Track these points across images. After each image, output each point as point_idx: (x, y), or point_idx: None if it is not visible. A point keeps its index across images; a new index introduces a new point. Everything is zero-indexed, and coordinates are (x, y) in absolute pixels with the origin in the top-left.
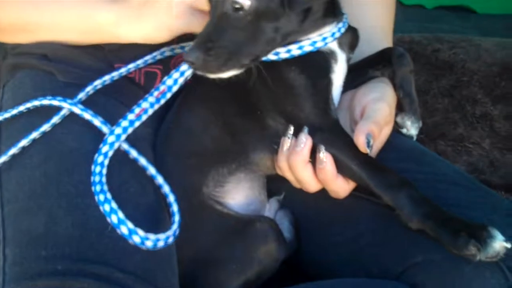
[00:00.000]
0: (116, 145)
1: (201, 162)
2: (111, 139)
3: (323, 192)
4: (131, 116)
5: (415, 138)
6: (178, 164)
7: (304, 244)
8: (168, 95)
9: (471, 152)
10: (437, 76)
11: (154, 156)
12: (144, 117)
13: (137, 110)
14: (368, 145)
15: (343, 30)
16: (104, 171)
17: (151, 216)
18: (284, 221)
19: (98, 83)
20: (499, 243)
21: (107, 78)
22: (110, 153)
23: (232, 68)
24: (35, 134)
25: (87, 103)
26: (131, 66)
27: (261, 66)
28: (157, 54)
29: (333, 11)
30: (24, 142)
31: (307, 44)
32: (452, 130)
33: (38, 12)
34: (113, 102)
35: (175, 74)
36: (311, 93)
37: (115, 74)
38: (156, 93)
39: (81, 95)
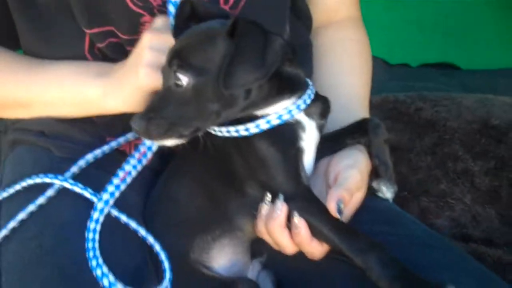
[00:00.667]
0: (105, 210)
1: (187, 230)
2: (100, 205)
3: (302, 254)
4: (116, 181)
5: (391, 201)
6: (166, 232)
7: None
8: (149, 155)
9: (454, 208)
10: (420, 134)
11: (144, 223)
12: (129, 179)
13: (121, 174)
14: (339, 210)
15: (308, 101)
16: (97, 236)
17: (139, 277)
18: (267, 282)
19: (89, 157)
20: None
21: (98, 152)
22: (101, 219)
23: (171, 137)
24: (31, 207)
25: (80, 176)
26: (121, 139)
27: (233, 140)
28: None
29: (288, 87)
30: (22, 215)
31: (274, 118)
32: (435, 186)
33: (29, 89)
34: (104, 174)
35: (132, 161)
36: (281, 163)
37: (106, 148)
38: (137, 155)
39: (74, 169)
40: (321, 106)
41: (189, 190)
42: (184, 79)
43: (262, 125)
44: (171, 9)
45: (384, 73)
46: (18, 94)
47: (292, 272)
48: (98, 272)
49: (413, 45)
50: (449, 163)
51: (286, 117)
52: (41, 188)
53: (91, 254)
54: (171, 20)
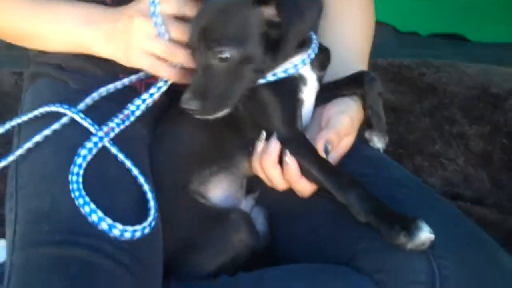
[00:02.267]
0: (99, 145)
1: (188, 164)
2: (83, 152)
3: (291, 191)
4: (100, 133)
5: (381, 150)
6: (169, 163)
7: (275, 237)
8: (132, 118)
9: (446, 168)
10: (421, 98)
11: (149, 154)
12: (112, 135)
13: (105, 128)
14: (326, 150)
15: (313, 55)
16: (80, 179)
17: (133, 210)
18: (259, 216)
19: (103, 90)
20: (425, 234)
21: (111, 86)
22: (84, 164)
23: (226, 109)
24: (47, 131)
25: (93, 107)
26: (133, 77)
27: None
28: None
29: (303, 43)
30: (37, 138)
31: (280, 71)
32: (430, 146)
33: (31, 23)
34: (115, 107)
35: (137, 101)
36: (280, 110)
37: (118, 83)
38: (121, 116)
39: (88, 100)
40: (321, 58)
41: (193, 128)
42: (228, 53)
43: (269, 77)
44: (152, 9)
45: (394, 39)
46: (23, 25)
47: (281, 209)
48: (86, 209)
49: (424, 14)
50: (446, 125)
51: (291, 71)
52: (57, 115)
53: (76, 194)
54: (151, 8)
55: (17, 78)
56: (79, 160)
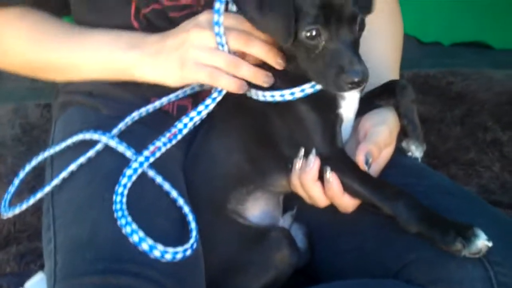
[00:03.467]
0: (134, 177)
1: (224, 183)
2: (129, 172)
3: (332, 206)
4: (146, 153)
5: (419, 159)
6: (205, 184)
7: (316, 254)
8: (179, 137)
9: (482, 175)
10: (450, 107)
11: (184, 176)
12: (158, 154)
13: (151, 147)
14: (367, 163)
15: None
16: (124, 199)
17: (172, 232)
18: (298, 233)
19: (135, 114)
20: (482, 242)
21: (143, 110)
22: (128, 184)
23: None
24: (82, 159)
25: (126, 132)
26: (164, 99)
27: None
28: (187, 89)
29: None
30: (72, 167)
31: (308, 87)
32: (464, 155)
33: (66, 54)
34: (148, 131)
35: (185, 119)
36: (319, 127)
37: (150, 107)
38: (168, 135)
39: (121, 125)
40: None
41: (228, 147)
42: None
43: (307, 89)
44: (217, 6)
45: (417, 50)
46: (57, 57)
47: (322, 224)
48: (128, 229)
49: (446, 23)
50: (478, 133)
51: (319, 86)
52: (90, 144)
53: (119, 214)
54: (216, 17)
55: (43, 109)
56: (123, 180)
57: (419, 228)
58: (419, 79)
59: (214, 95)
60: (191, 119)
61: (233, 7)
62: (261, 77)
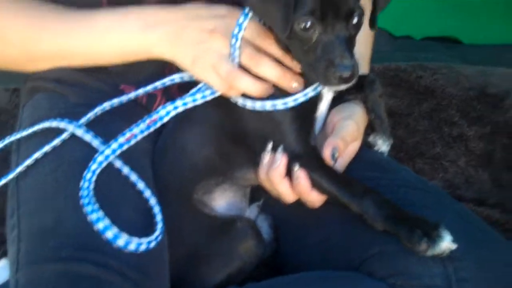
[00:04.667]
0: (104, 164)
1: (193, 174)
2: (100, 158)
3: (298, 199)
4: (121, 139)
5: (386, 154)
6: (174, 175)
7: (282, 245)
8: (159, 124)
9: (448, 170)
10: (419, 101)
11: (153, 166)
12: (133, 141)
13: (128, 134)
14: (333, 157)
15: None
16: (91, 186)
17: (138, 224)
18: (264, 225)
19: (106, 104)
20: (446, 244)
21: (115, 101)
22: (98, 171)
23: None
24: (47, 147)
25: (94, 121)
26: (141, 91)
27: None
28: (167, 81)
29: None
30: (37, 155)
31: (300, 95)
32: (430, 149)
33: (76, 41)
34: (116, 120)
35: (169, 107)
36: (295, 127)
37: (124, 97)
38: (147, 121)
39: (90, 115)
40: None
41: (199, 139)
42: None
43: (300, 98)
44: (241, 20)
45: (388, 44)
46: (64, 44)
47: (288, 217)
48: (94, 216)
49: (418, 18)
50: (445, 127)
51: (311, 94)
52: (57, 130)
53: (86, 200)
54: (236, 29)
55: (12, 94)
56: (93, 166)
57: (385, 226)
58: (389, 73)
59: (207, 92)
60: (175, 108)
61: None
62: (263, 91)
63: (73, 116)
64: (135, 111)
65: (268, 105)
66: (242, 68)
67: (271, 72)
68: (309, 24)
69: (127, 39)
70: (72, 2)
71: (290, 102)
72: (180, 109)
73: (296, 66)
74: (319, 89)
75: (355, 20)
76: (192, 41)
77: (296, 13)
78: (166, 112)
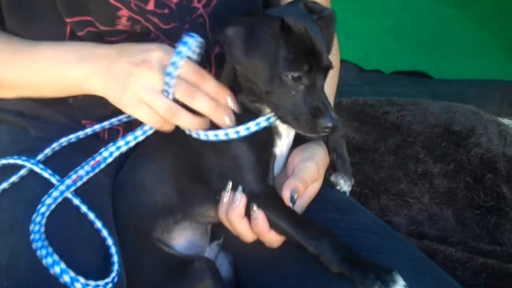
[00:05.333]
0: (52, 206)
1: (151, 212)
2: (48, 201)
3: (258, 240)
4: (68, 181)
5: (348, 193)
6: (132, 213)
7: (242, 284)
8: (102, 165)
9: (412, 206)
10: (385, 136)
11: (112, 203)
12: (79, 183)
13: (73, 176)
14: (292, 199)
15: None
16: (42, 229)
17: (95, 263)
18: (224, 263)
19: (63, 140)
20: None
21: (72, 136)
22: (44, 222)
23: None
24: (4, 185)
25: (54, 155)
26: (97, 127)
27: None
28: (123, 118)
29: None
30: None
31: (253, 125)
32: (395, 186)
33: (16, 72)
34: (77, 154)
35: (112, 148)
36: (253, 164)
37: (81, 133)
38: (92, 162)
39: (47, 151)
40: None
41: (157, 176)
42: None
43: (252, 127)
44: (175, 59)
45: (358, 78)
46: (4, 74)
47: (248, 255)
48: (49, 260)
49: (387, 52)
50: (410, 164)
51: (263, 124)
52: (16, 166)
53: (39, 244)
54: (170, 68)
55: None
56: (42, 209)
57: (341, 268)
58: (357, 107)
59: (146, 127)
60: (118, 148)
61: (193, 55)
62: (201, 125)
63: (34, 150)
64: (96, 145)
65: (221, 134)
66: (177, 102)
67: (205, 106)
68: (296, 75)
69: (63, 72)
70: (35, 35)
71: (242, 130)
72: (123, 148)
73: (233, 104)
74: (271, 120)
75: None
76: (121, 76)
77: (285, 68)
78: (109, 153)
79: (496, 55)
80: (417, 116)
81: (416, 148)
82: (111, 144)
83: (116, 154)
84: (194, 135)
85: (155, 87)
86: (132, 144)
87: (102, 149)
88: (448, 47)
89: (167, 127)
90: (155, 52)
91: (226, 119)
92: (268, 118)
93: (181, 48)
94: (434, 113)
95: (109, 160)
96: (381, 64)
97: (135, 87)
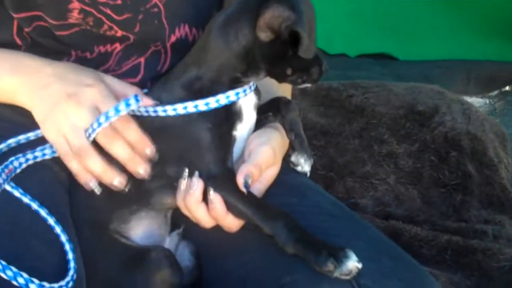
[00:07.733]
0: None
1: (106, 204)
2: None
3: (218, 226)
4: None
5: (308, 174)
6: (88, 206)
7: (205, 272)
8: (13, 174)
9: (377, 188)
10: (350, 119)
11: (69, 198)
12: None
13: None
14: (246, 184)
15: (253, 88)
16: None
17: (51, 257)
18: (185, 252)
19: (12, 141)
20: (352, 263)
21: (22, 137)
22: None
23: None
24: None
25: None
26: (21, 137)
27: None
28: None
29: None
30: None
31: (213, 100)
32: (360, 168)
33: None
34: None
35: (22, 159)
36: (213, 146)
37: (31, 135)
38: (6, 170)
39: None
40: (258, 95)
41: None
42: None
43: (212, 103)
44: (121, 107)
45: None
46: None
47: (209, 242)
48: None
49: (352, 36)
50: (375, 146)
51: (223, 101)
52: None
53: None
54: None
55: None
56: None
57: (295, 249)
58: (321, 92)
59: (47, 151)
60: (27, 160)
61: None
62: (107, 176)
63: None
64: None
65: (180, 107)
66: (95, 144)
67: (123, 153)
68: None
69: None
70: None
71: (201, 105)
72: (30, 162)
73: (152, 156)
74: (240, 95)
75: None
76: (50, 100)
77: None
78: (19, 163)
79: (461, 35)
80: (381, 98)
81: (380, 130)
82: (21, 154)
83: (24, 166)
84: (151, 113)
85: (79, 124)
86: (39, 159)
87: (13, 159)
88: (413, 28)
89: (74, 166)
90: (92, 90)
91: (140, 170)
92: (238, 93)
93: (122, 106)
94: (398, 94)
95: (18, 170)
96: (346, 48)
97: (60, 116)
